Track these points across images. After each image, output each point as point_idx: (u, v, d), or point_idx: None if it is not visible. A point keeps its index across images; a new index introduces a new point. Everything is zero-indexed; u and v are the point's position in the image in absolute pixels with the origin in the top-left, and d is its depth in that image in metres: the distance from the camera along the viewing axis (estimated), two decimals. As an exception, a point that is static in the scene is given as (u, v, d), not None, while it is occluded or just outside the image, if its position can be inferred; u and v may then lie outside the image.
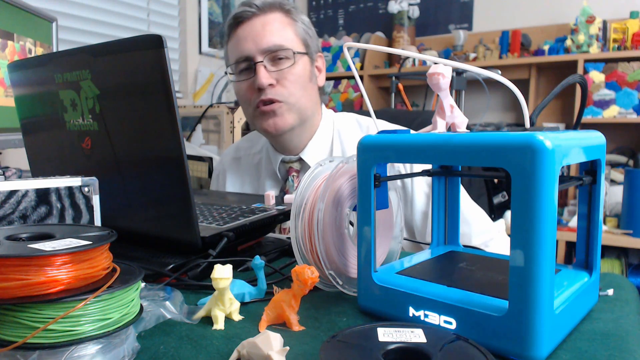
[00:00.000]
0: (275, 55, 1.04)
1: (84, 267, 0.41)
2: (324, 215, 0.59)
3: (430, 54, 3.10)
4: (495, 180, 1.97)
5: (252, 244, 0.82)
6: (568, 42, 2.64)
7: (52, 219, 0.63)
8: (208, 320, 0.53)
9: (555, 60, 2.66)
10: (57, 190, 0.62)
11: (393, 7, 3.21)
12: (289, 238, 0.83)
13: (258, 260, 0.57)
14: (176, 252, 0.71)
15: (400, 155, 0.52)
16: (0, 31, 1.22)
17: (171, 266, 0.66)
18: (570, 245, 2.52)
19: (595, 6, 2.65)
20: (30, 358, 0.39)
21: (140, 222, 0.74)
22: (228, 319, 0.54)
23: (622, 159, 2.66)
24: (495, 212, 1.92)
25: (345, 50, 0.62)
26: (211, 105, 2.11)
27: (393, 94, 2.67)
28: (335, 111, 1.23)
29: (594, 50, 2.57)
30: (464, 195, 1.04)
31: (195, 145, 2.06)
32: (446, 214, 0.68)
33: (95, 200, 0.65)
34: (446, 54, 3.10)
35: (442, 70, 0.56)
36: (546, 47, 2.74)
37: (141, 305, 0.47)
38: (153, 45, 0.61)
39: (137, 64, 0.64)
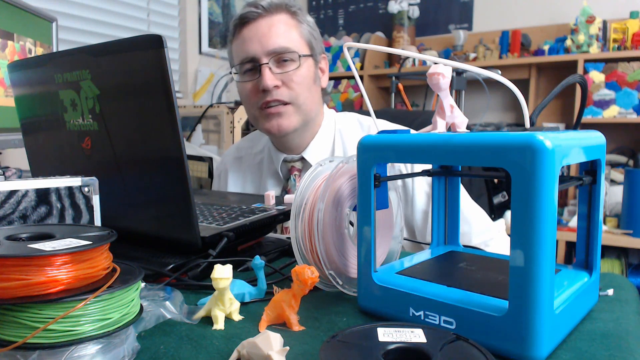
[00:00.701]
0: (281, 57, 1.04)
1: (84, 267, 0.41)
2: (324, 215, 0.59)
3: (430, 54, 3.10)
4: (495, 180, 1.97)
5: (252, 244, 0.82)
6: (568, 42, 2.64)
7: (52, 219, 0.63)
8: (208, 320, 0.53)
9: (555, 60, 2.66)
10: (57, 190, 0.62)
11: (393, 7, 3.21)
12: (289, 238, 0.83)
13: (258, 260, 0.57)
14: (176, 252, 0.71)
15: (400, 155, 0.52)
16: (0, 31, 1.22)
17: (171, 266, 0.66)
18: (570, 245, 2.52)
19: (595, 6, 2.65)
20: (30, 358, 0.39)
21: (140, 222, 0.74)
22: (228, 319, 0.54)
23: (622, 159, 2.66)
24: (495, 212, 1.92)
25: (345, 50, 0.62)
26: (211, 105, 2.11)
27: (393, 94, 2.67)
28: (336, 111, 1.23)
29: (594, 50, 2.57)
30: (464, 195, 1.04)
31: (195, 145, 2.06)
32: (446, 214, 0.68)
33: (95, 200, 0.65)
34: (446, 54, 3.10)
35: (442, 70, 0.56)
36: (546, 47, 2.74)
37: (141, 305, 0.47)
38: (153, 45, 0.61)
39: (137, 64, 0.64)
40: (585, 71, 2.57)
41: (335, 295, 0.62)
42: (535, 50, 2.83)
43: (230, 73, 1.13)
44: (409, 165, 1.03)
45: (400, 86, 2.62)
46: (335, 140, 1.16)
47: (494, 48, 2.91)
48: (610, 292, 0.60)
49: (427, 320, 0.50)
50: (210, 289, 0.62)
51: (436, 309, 0.49)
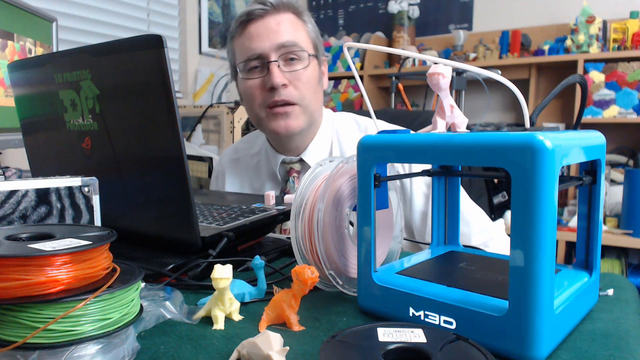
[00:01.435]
0: (289, 55, 1.03)
1: (84, 267, 0.41)
2: (324, 215, 0.59)
3: (430, 54, 3.10)
4: (495, 180, 1.97)
5: (252, 244, 0.82)
6: (568, 42, 2.64)
7: (52, 219, 0.63)
8: (208, 320, 0.53)
9: (555, 60, 2.66)
10: (57, 190, 0.62)
11: (393, 7, 3.21)
12: (289, 238, 0.83)
13: (258, 260, 0.57)
14: (176, 252, 0.71)
15: (400, 155, 0.52)
16: (0, 31, 1.22)
17: (171, 266, 0.66)
18: (570, 245, 2.52)
19: (595, 6, 2.65)
20: (30, 358, 0.39)
21: (140, 222, 0.74)
22: (228, 319, 0.54)
23: (622, 159, 2.66)
24: (495, 212, 1.92)
25: (345, 50, 0.62)
26: (211, 105, 2.11)
27: (393, 94, 2.67)
28: (334, 111, 1.23)
29: (594, 50, 2.57)
30: (463, 195, 1.04)
31: (195, 145, 2.06)
32: (446, 214, 0.68)
33: (95, 200, 0.65)
34: (446, 54, 3.10)
35: (442, 70, 0.56)
36: (546, 47, 2.74)
37: (141, 305, 0.47)
38: (153, 45, 0.61)
39: (137, 64, 0.64)
40: (585, 71, 2.57)
41: (335, 295, 0.62)
42: (535, 50, 2.83)
43: (235, 72, 1.10)
44: (406, 166, 1.03)
45: (400, 86, 2.62)
46: (332, 141, 1.16)
47: (494, 48, 2.91)
48: (610, 292, 0.60)
49: (427, 320, 0.50)
50: (210, 289, 0.62)
51: (436, 309, 0.49)
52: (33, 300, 0.38)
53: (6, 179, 0.85)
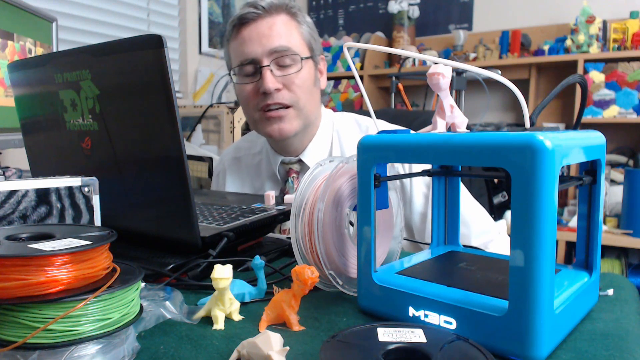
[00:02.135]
0: (282, 59, 1.02)
1: (84, 267, 0.41)
2: (324, 215, 0.59)
3: (430, 54, 3.10)
4: (495, 180, 1.97)
5: (252, 244, 0.82)
6: (568, 42, 2.65)
7: (52, 219, 0.63)
8: (208, 320, 0.53)
9: (555, 60, 2.66)
10: (57, 190, 0.62)
11: (393, 7, 3.21)
12: (289, 238, 0.83)
13: (258, 260, 0.57)
14: (176, 252, 0.71)
15: (400, 155, 0.52)
16: (0, 31, 1.22)
17: (171, 266, 0.66)
18: (570, 245, 2.52)
19: (595, 6, 2.65)
20: (30, 358, 0.39)
21: (140, 222, 0.74)
22: (228, 319, 0.54)
23: (622, 159, 2.67)
24: (495, 212, 1.92)
25: (345, 50, 0.62)
26: (211, 105, 2.11)
27: (393, 94, 2.67)
28: (334, 111, 1.23)
29: (594, 50, 2.57)
30: (465, 195, 1.04)
31: (195, 145, 2.06)
32: (446, 214, 0.68)
33: (95, 200, 0.65)
34: (446, 54, 3.10)
35: (442, 70, 0.56)
36: (546, 47, 2.74)
37: (141, 305, 0.47)
38: (153, 45, 0.61)
39: (137, 64, 0.64)
40: (585, 71, 2.57)
41: (335, 295, 0.62)
42: (535, 50, 2.83)
43: (230, 74, 1.11)
44: (406, 165, 1.03)
45: (400, 86, 2.62)
46: (332, 141, 1.15)
47: (494, 48, 2.91)
48: (610, 292, 0.60)
49: (427, 320, 0.50)
50: (210, 289, 0.62)
51: (436, 309, 0.49)
52: (33, 300, 0.38)
53: (6, 179, 0.85)
